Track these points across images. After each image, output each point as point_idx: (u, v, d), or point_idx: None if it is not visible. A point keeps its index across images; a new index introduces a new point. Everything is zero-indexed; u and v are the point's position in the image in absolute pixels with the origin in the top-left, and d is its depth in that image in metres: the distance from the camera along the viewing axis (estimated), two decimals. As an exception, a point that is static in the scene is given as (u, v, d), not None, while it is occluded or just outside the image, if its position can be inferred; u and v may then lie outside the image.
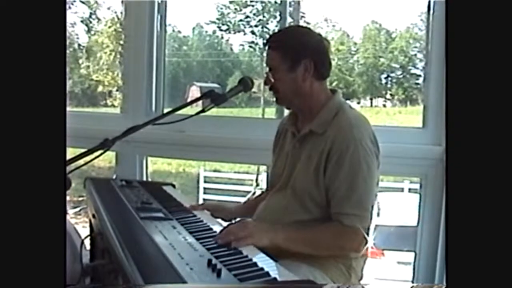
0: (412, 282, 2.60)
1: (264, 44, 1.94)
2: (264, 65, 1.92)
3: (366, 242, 1.77)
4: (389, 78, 6.19)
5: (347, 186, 1.73)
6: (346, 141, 1.74)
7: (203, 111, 1.82)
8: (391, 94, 6.18)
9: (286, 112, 2.56)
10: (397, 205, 5.40)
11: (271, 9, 4.79)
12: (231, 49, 6.15)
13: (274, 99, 1.96)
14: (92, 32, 5.68)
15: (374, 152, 1.79)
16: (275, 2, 4.43)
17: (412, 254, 2.66)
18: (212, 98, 1.82)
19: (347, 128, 1.77)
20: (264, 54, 1.95)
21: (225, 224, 1.80)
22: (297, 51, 1.83)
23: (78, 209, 5.32)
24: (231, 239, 1.52)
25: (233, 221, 1.98)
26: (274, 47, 1.87)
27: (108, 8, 5.51)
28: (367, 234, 1.75)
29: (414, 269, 2.59)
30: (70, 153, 1.53)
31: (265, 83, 1.90)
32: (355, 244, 1.77)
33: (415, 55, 5.70)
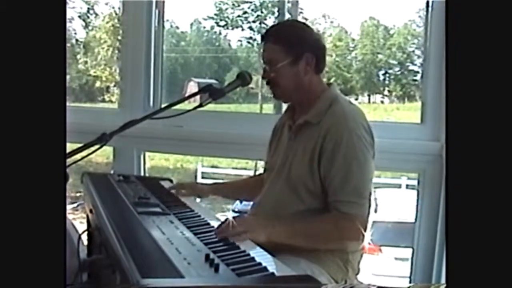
0: (410, 278, 2.60)
1: (262, 37, 1.92)
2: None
3: (365, 231, 1.76)
4: (387, 75, 6.19)
5: (343, 174, 1.73)
6: (340, 130, 1.75)
7: (200, 105, 1.82)
8: (389, 91, 6.18)
9: (284, 108, 2.56)
10: (395, 201, 5.41)
11: (269, 5, 4.78)
12: (229, 45, 6.13)
13: (271, 93, 1.95)
14: (90, 28, 5.66)
15: (369, 141, 1.80)
16: (273, -2, 4.43)
17: (410, 250, 2.67)
18: (210, 92, 1.82)
19: (342, 117, 1.78)
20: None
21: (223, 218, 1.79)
22: (300, 45, 1.84)
23: (75, 204, 5.31)
24: (229, 233, 1.52)
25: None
26: (275, 41, 1.86)
27: (106, 4, 5.49)
28: (366, 223, 1.74)
29: (411, 265, 2.59)
30: (68, 148, 1.52)
31: (263, 77, 1.90)
32: (353, 232, 1.73)
33: (413, 51, 5.70)
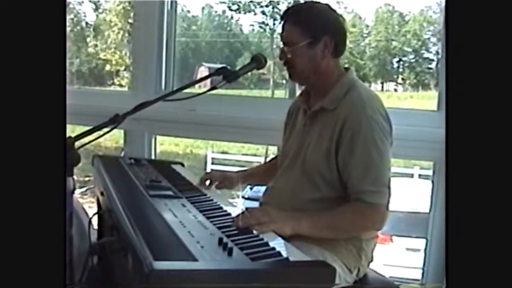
0: (423, 269, 2.58)
1: (281, 17, 1.89)
2: (274, 46, 1.89)
3: (386, 218, 1.75)
4: (401, 62, 6.13)
5: (363, 163, 1.71)
6: (359, 118, 1.72)
7: (214, 88, 1.79)
8: (402, 79, 6.13)
9: (298, 92, 2.53)
10: (407, 191, 5.38)
11: (283, -10, 4.72)
12: (241, 30, 6.08)
13: (288, 75, 1.91)
14: (100, 10, 5.64)
15: (387, 129, 1.77)
16: (287, -17, 4.36)
17: (421, 240, 2.64)
18: (224, 75, 1.79)
19: (360, 105, 1.75)
20: (275, 36, 1.91)
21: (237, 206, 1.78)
22: (318, 28, 1.80)
23: (84, 189, 5.33)
24: (252, 223, 1.49)
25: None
26: (294, 22, 1.82)
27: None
28: (388, 210, 1.73)
29: (425, 255, 2.56)
30: (78, 131, 1.51)
31: (280, 58, 1.86)
32: (377, 221, 1.76)
33: (429, 38, 5.62)
